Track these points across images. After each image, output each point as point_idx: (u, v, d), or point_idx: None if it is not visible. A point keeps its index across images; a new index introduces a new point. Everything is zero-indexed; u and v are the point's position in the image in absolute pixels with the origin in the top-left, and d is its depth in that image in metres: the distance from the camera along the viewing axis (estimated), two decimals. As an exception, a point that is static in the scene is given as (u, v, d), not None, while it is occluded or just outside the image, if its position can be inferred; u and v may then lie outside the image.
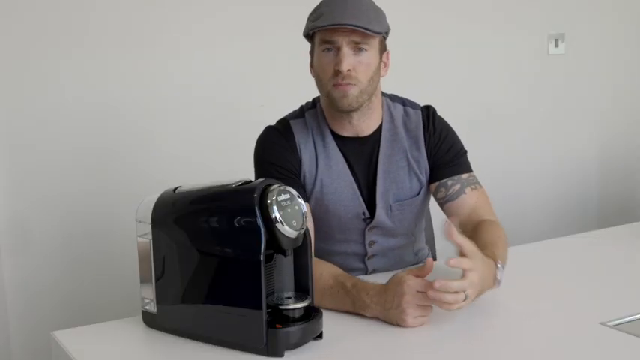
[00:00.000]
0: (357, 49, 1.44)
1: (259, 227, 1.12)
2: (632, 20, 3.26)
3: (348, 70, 1.44)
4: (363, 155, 1.57)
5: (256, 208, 1.13)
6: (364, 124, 1.56)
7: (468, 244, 1.28)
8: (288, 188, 1.18)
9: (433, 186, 1.60)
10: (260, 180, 1.18)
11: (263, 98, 2.46)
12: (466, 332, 1.28)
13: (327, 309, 1.31)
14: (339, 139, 1.57)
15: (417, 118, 1.60)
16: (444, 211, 1.61)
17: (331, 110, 1.55)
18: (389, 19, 1.55)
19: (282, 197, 1.16)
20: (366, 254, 1.62)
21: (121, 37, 2.23)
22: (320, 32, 1.46)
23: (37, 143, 2.16)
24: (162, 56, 2.30)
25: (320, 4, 1.49)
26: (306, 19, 1.52)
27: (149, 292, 1.28)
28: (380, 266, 1.63)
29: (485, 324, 1.32)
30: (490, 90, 2.91)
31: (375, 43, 1.47)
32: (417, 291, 1.27)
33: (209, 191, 1.23)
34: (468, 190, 1.58)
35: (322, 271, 1.40)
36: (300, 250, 1.22)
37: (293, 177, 1.53)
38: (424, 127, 1.59)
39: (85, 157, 2.23)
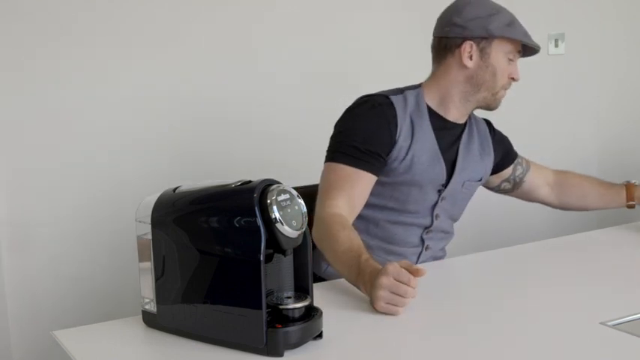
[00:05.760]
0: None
1: (259, 227, 1.12)
2: (632, 20, 3.26)
3: None
4: (450, 137, 1.73)
5: (256, 208, 1.13)
6: (467, 116, 1.76)
7: None
8: (288, 188, 1.19)
9: (509, 169, 1.90)
10: (260, 180, 1.18)
11: (263, 98, 2.46)
12: (466, 333, 1.28)
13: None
14: (435, 118, 1.70)
15: (483, 125, 1.85)
16: (522, 185, 1.92)
17: (464, 100, 1.70)
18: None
19: (282, 197, 1.15)
20: (430, 225, 1.74)
21: (121, 37, 2.23)
22: (515, 42, 1.67)
23: (37, 143, 2.16)
24: (164, 57, 2.30)
25: (503, 9, 1.69)
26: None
27: (149, 292, 1.27)
28: (432, 245, 1.76)
29: (486, 324, 1.32)
30: (490, 90, 2.91)
31: None
32: (395, 279, 1.30)
33: (209, 191, 1.23)
34: (527, 160, 1.96)
35: (348, 235, 1.48)
36: (300, 250, 1.22)
37: (379, 152, 1.63)
38: (491, 136, 1.85)
39: (86, 157, 2.23)
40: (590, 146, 3.26)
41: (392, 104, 1.66)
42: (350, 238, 1.48)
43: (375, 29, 2.60)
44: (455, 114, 1.73)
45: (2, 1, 2.06)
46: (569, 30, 3.08)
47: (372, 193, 1.66)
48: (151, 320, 1.29)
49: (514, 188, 1.94)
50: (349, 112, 1.69)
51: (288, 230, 1.15)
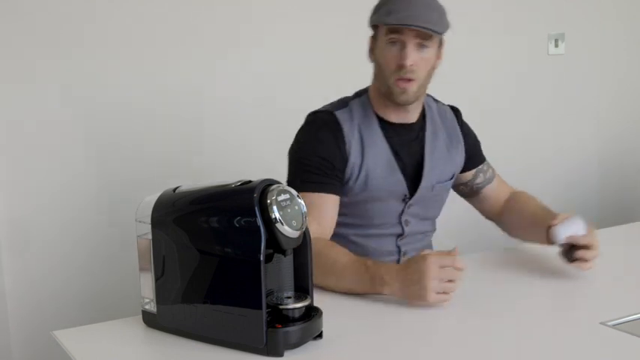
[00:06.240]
0: (420, 45, 1.54)
1: (259, 227, 1.12)
2: (632, 20, 3.26)
3: (411, 64, 1.53)
4: (408, 139, 1.66)
5: (256, 208, 1.13)
6: (413, 113, 1.66)
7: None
8: (288, 188, 1.19)
9: (469, 174, 1.77)
10: (260, 180, 1.18)
11: (263, 98, 2.46)
12: (467, 333, 1.28)
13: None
14: (385, 124, 1.64)
15: (450, 114, 1.76)
16: (478, 195, 1.79)
17: (384, 99, 1.62)
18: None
19: (282, 197, 1.15)
20: (402, 234, 1.68)
21: (121, 37, 2.23)
22: (388, 25, 1.54)
23: (37, 143, 2.16)
24: (164, 57, 2.30)
25: None
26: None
27: (149, 292, 1.28)
28: (410, 249, 1.69)
29: (486, 324, 1.32)
30: (490, 90, 2.91)
31: (436, 40, 1.58)
32: (440, 266, 1.31)
33: (209, 191, 1.23)
34: (493, 171, 1.82)
35: (340, 251, 1.47)
36: (300, 249, 1.22)
37: (336, 172, 1.59)
38: (459, 124, 1.75)
39: (86, 157, 2.23)
40: (590, 146, 3.25)
41: (337, 122, 1.61)
42: (344, 252, 1.47)
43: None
44: (392, 115, 1.65)
45: (2, 2, 2.06)
46: (569, 30, 3.08)
47: (338, 213, 1.63)
48: (151, 320, 1.29)
49: (470, 195, 1.83)
50: (296, 138, 1.66)
51: (288, 230, 1.15)
